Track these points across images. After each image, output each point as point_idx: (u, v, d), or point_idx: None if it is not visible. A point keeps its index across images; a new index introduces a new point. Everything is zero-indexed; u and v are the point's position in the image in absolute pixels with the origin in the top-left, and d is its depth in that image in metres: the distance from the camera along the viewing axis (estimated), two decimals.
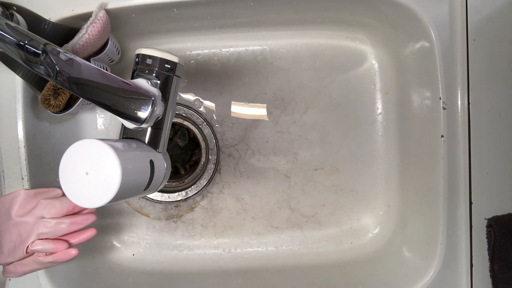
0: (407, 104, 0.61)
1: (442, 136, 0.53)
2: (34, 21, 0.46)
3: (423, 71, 0.56)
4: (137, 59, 0.41)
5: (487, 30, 0.54)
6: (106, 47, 0.52)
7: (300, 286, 0.61)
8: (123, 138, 0.42)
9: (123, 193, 0.35)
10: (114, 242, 0.66)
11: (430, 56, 0.53)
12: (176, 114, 0.65)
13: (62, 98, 0.49)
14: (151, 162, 0.39)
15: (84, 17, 0.47)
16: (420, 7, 0.52)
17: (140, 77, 0.41)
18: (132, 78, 0.41)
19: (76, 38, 0.46)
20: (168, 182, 0.63)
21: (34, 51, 0.37)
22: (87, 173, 0.34)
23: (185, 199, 0.65)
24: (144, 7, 0.51)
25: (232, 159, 0.66)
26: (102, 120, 0.64)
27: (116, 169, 0.33)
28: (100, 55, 0.52)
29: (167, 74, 0.41)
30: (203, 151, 0.66)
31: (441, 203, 0.53)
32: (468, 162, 0.54)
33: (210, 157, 0.65)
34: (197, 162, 0.67)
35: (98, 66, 0.47)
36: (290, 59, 0.65)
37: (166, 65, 0.41)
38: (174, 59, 0.41)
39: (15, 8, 0.45)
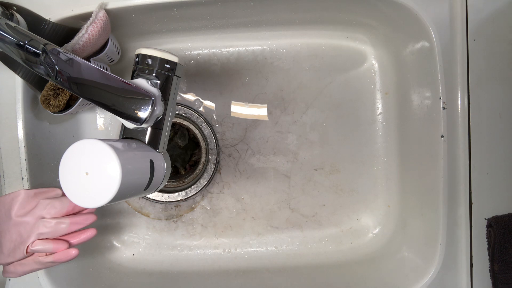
0: (407, 104, 0.61)
1: (442, 136, 0.53)
2: (34, 21, 0.46)
3: (423, 71, 0.56)
4: (137, 59, 0.41)
5: (487, 30, 0.54)
6: (106, 47, 0.52)
7: (300, 286, 0.61)
8: (123, 138, 0.42)
9: (123, 193, 0.35)
10: (114, 242, 0.66)
11: (430, 56, 0.53)
12: (176, 114, 0.65)
13: (62, 98, 0.49)
14: (151, 162, 0.39)
15: (84, 17, 0.47)
16: (420, 7, 0.52)
17: (140, 77, 0.41)
18: (132, 78, 0.41)
19: (76, 38, 0.46)
20: (168, 182, 0.63)
21: (34, 51, 0.37)
22: (87, 173, 0.34)
23: (185, 199, 0.65)
24: (144, 7, 0.51)
25: (232, 159, 0.66)
26: (102, 120, 0.64)
27: (116, 169, 0.33)
28: (100, 55, 0.52)
29: (167, 74, 0.41)
30: (203, 151, 0.66)
31: (441, 203, 0.53)
32: (468, 162, 0.54)
33: (210, 157, 0.65)
34: (197, 162, 0.67)
35: (98, 66, 0.47)
36: (290, 59, 0.65)
37: (166, 65, 0.41)
38: (174, 59, 0.41)
39: (15, 8, 0.45)
